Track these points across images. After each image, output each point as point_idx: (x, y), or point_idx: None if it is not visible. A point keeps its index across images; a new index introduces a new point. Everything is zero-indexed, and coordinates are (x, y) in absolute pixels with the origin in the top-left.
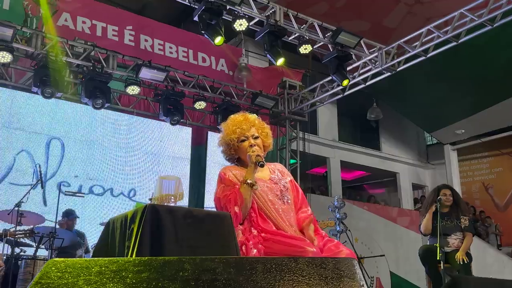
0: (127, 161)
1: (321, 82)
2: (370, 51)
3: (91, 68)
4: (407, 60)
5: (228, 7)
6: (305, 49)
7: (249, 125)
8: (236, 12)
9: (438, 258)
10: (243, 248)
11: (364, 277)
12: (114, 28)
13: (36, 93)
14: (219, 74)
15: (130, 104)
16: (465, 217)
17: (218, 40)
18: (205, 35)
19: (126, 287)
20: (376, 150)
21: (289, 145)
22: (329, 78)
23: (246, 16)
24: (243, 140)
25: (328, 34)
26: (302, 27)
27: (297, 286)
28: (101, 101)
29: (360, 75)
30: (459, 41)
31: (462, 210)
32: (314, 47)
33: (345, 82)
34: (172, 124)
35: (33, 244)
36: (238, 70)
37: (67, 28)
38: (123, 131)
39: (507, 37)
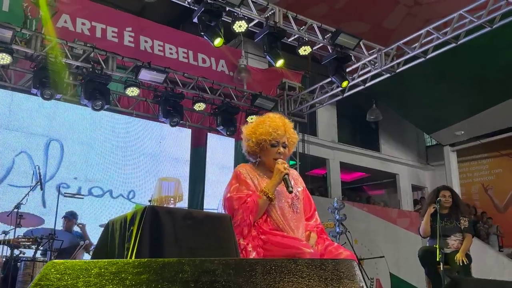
0: (126, 163)
1: (320, 84)
2: (370, 52)
3: (91, 69)
4: (407, 62)
5: (227, 8)
6: (304, 50)
7: (284, 131)
8: (235, 14)
9: (437, 259)
10: (243, 251)
11: (364, 278)
12: (113, 30)
13: (36, 94)
14: (219, 75)
15: (130, 105)
16: (464, 218)
17: (218, 41)
18: (205, 37)
19: None
20: (375, 152)
21: None
22: (329, 79)
23: (246, 18)
24: (274, 145)
25: (328, 35)
26: (301, 28)
27: (297, 287)
28: (100, 102)
29: (359, 76)
30: (458, 43)
31: (461, 211)
32: (314, 48)
33: (345, 84)
34: (172, 126)
35: (33, 246)
36: (237, 71)
37: (66, 29)
38: (123, 133)
39: (506, 38)
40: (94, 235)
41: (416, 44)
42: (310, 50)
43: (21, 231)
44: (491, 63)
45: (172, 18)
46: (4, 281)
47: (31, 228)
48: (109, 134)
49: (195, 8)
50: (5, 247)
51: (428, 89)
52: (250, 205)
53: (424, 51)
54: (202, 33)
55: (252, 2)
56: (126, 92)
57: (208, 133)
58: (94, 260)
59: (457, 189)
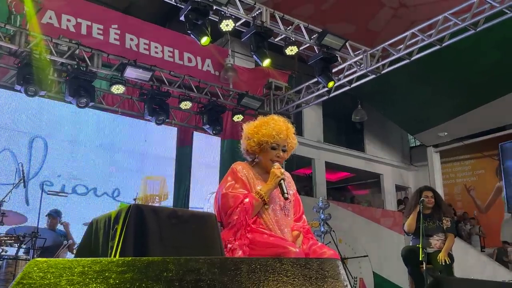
0: (111, 161)
1: (306, 84)
2: (355, 53)
3: (76, 66)
4: (392, 63)
5: (214, 7)
6: (291, 50)
7: (286, 136)
8: (222, 13)
9: (420, 259)
10: (228, 245)
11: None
12: (99, 27)
13: (19, 91)
14: (205, 74)
15: (115, 103)
16: (447, 219)
17: (204, 40)
18: (191, 35)
19: (109, 287)
20: (360, 152)
21: None
22: (315, 79)
23: (233, 17)
24: (274, 148)
25: (314, 36)
26: (288, 28)
27: (282, 286)
28: (85, 100)
29: (345, 77)
30: (443, 45)
31: (443, 211)
32: (300, 48)
33: (331, 84)
34: (158, 124)
35: (15, 244)
36: (224, 70)
37: (51, 26)
38: (107, 131)
39: (490, 41)
40: (78, 234)
41: (401, 46)
42: (297, 50)
43: (3, 229)
44: (475, 65)
45: (159, 16)
46: None
47: (13, 226)
48: (94, 131)
49: (182, 6)
50: None
51: (413, 90)
52: (247, 206)
53: (409, 52)
54: (189, 32)
55: (239, 1)
56: (112, 90)
57: (194, 132)
58: (78, 258)
59: (440, 190)
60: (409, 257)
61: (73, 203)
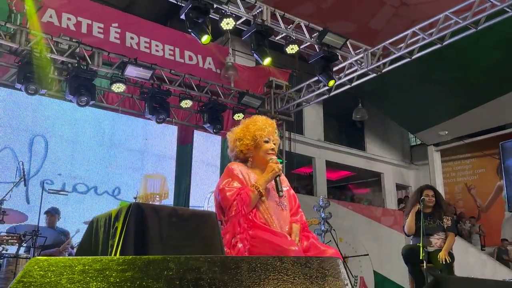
0: (111, 159)
1: (307, 82)
2: (356, 52)
3: (76, 65)
4: (392, 62)
5: (215, 5)
6: (291, 49)
7: (273, 129)
8: (223, 11)
9: (421, 258)
10: (227, 235)
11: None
12: (99, 25)
13: (20, 89)
14: (206, 72)
15: (115, 102)
16: (447, 218)
17: (205, 38)
18: (192, 34)
19: (109, 286)
20: (361, 151)
21: None
22: (315, 78)
23: (233, 15)
24: (267, 141)
25: (315, 34)
26: (289, 27)
27: (282, 285)
28: (85, 98)
29: (346, 75)
30: (444, 43)
31: (444, 210)
32: (301, 47)
33: (331, 83)
34: (158, 123)
35: (16, 242)
36: (225, 69)
37: (51, 24)
38: (108, 129)
39: (490, 40)
40: (79, 233)
41: (402, 45)
42: (297, 48)
43: (4, 228)
44: (476, 64)
45: (160, 14)
46: None
47: (14, 224)
48: (94, 130)
49: (182, 5)
50: None
51: (413, 89)
52: (244, 197)
53: (410, 51)
54: (190, 30)
55: (240, 0)
56: (112, 88)
57: (195, 131)
58: (78, 257)
59: (440, 189)
60: (410, 256)
61: (74, 201)
